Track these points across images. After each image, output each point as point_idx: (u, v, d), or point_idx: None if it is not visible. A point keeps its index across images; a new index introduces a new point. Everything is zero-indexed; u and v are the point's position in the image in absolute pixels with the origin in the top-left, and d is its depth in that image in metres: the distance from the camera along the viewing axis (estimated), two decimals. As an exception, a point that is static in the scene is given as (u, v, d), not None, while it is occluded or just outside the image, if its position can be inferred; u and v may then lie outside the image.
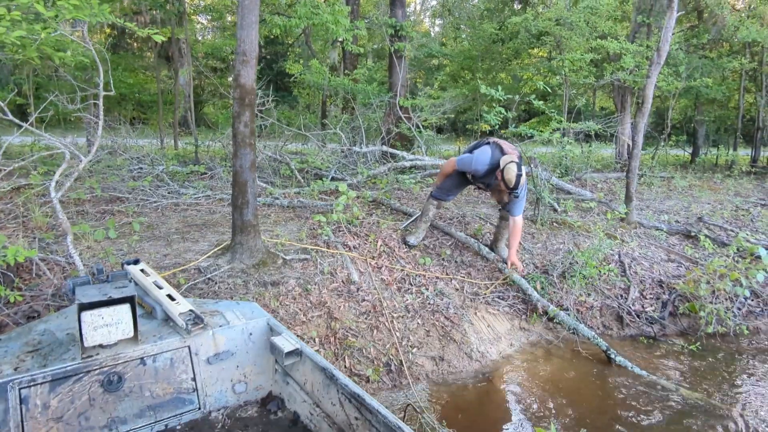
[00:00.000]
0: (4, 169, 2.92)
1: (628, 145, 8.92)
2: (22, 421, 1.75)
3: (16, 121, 3.01)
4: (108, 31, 13.47)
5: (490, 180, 3.86)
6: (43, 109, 3.37)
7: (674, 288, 4.41)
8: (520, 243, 4.71)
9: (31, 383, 1.79)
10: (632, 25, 9.84)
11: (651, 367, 3.54)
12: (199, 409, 2.09)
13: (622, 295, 4.35)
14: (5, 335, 2.11)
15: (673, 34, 5.97)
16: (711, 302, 4.13)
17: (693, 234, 5.32)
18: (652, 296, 4.41)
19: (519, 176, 3.63)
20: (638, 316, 4.19)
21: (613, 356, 3.51)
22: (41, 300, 2.78)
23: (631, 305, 4.24)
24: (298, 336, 2.97)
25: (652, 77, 5.18)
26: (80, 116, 4.35)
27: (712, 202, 7.00)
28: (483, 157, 3.82)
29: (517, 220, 3.96)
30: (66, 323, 2.16)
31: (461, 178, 4.14)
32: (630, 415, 2.98)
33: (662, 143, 10.27)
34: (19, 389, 1.77)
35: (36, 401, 1.79)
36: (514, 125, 5.70)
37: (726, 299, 4.26)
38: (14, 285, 2.81)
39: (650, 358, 3.72)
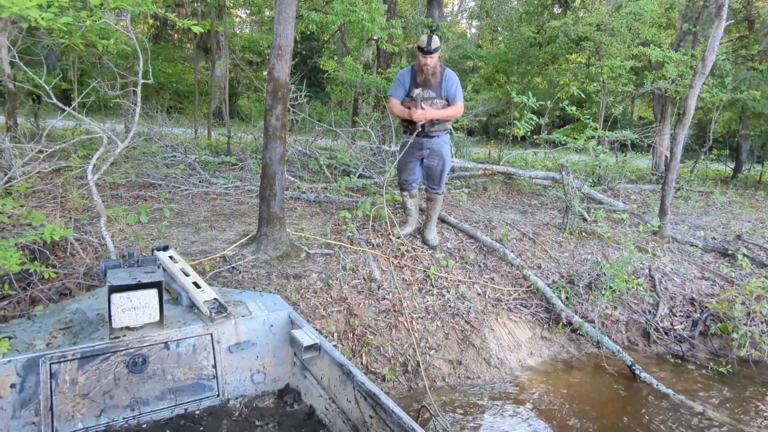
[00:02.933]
0: (46, 151, 3.04)
1: (666, 157, 8.63)
2: (51, 395, 1.82)
3: (60, 104, 3.13)
4: (150, 21, 13.87)
5: (418, 83, 3.75)
6: (85, 94, 3.49)
7: (706, 307, 4.24)
8: (546, 250, 4.62)
9: (62, 359, 1.86)
10: (677, 33, 9.50)
11: (677, 386, 3.42)
12: (218, 396, 2.12)
13: (650, 311, 4.21)
14: (40, 311, 2.20)
15: (720, 43, 5.74)
16: (745, 324, 3.95)
17: (730, 252, 5.10)
18: (682, 314, 4.26)
19: (430, 36, 3.64)
20: (666, 334, 4.05)
21: (638, 372, 3.41)
22: (73, 278, 2.88)
23: (659, 322, 4.10)
24: (317, 330, 2.99)
25: (695, 87, 4.99)
26: (119, 102, 4.50)
27: (753, 220, 6.70)
28: (404, 69, 3.95)
29: (457, 104, 3.79)
30: (97, 304, 2.23)
31: (410, 148, 3.93)
32: (652, 435, 2.88)
33: (702, 156, 9.89)
34: (50, 364, 1.84)
35: (65, 377, 1.86)
36: (546, 131, 5.58)
37: (762, 322, 4.07)
38: (49, 262, 2.92)
39: (677, 378, 3.59)
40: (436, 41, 3.64)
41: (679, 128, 5.15)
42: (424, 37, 3.66)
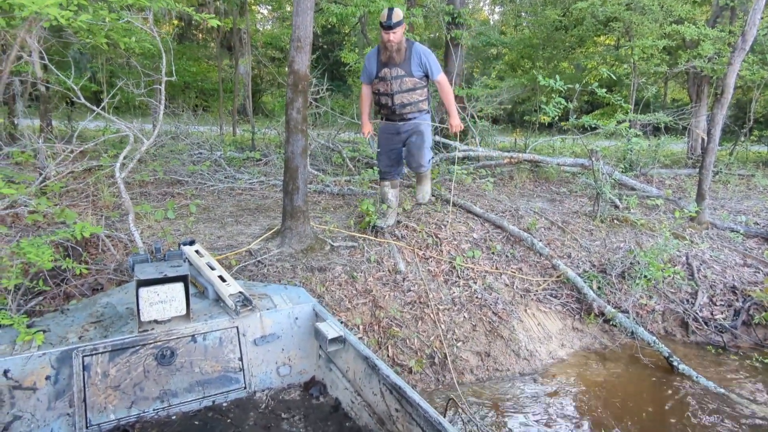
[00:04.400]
0: (77, 150, 3.12)
1: (703, 139, 8.26)
2: (84, 387, 1.86)
3: (90, 105, 3.20)
4: (176, 22, 14.11)
5: (383, 62, 3.55)
6: (112, 95, 3.56)
7: (749, 295, 4.04)
8: (576, 239, 4.48)
9: (93, 352, 1.90)
10: (713, 8, 9.04)
11: (719, 378, 3.27)
12: (245, 388, 2.13)
13: (688, 300, 4.03)
14: (73, 305, 2.26)
15: (761, 17, 5.41)
16: (793, 313, 3.74)
17: (774, 238, 4.84)
18: (723, 303, 4.07)
19: (391, 9, 3.41)
20: (706, 324, 3.88)
21: (676, 364, 3.27)
22: (105, 274, 2.95)
23: (698, 311, 3.93)
24: (342, 322, 2.98)
25: (734, 65, 4.73)
26: (146, 102, 4.59)
27: (799, 203, 6.34)
28: (371, 50, 3.70)
29: (441, 80, 3.64)
30: (126, 298, 2.27)
31: (386, 136, 3.79)
32: (693, 428, 2.75)
33: (742, 138, 9.42)
34: (83, 356, 1.88)
35: (97, 369, 1.90)
36: (575, 117, 5.40)
37: (811, 311, 3.85)
38: (82, 259, 3.00)
39: (718, 370, 3.43)
40: (398, 14, 3.40)
41: (717, 108, 4.90)
42: (384, 11, 3.42)
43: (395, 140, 3.76)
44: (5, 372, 1.76)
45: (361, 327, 3.15)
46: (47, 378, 1.82)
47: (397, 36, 3.44)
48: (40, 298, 2.73)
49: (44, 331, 1.94)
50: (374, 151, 3.94)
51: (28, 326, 1.94)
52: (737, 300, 4.07)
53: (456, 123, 3.70)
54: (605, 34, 10.06)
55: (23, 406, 1.78)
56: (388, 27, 3.39)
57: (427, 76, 3.59)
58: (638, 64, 8.15)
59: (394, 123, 3.68)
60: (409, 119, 3.65)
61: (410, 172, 4.30)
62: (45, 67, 3.95)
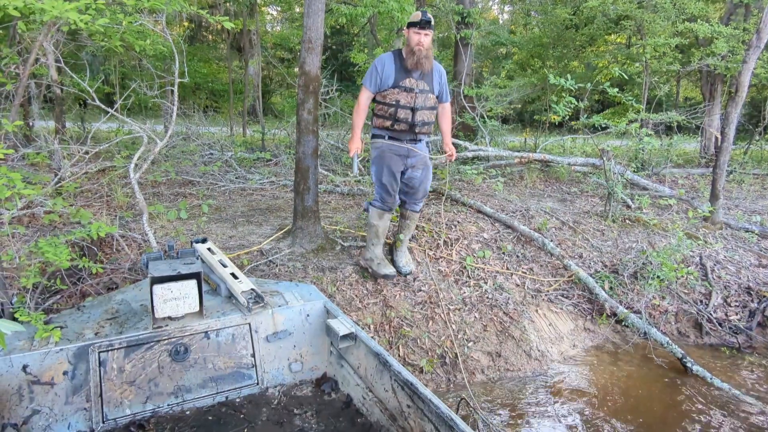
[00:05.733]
0: (91, 151, 3.17)
1: (716, 138, 8.16)
2: (100, 382, 1.90)
3: (103, 107, 3.26)
4: (186, 24, 14.26)
5: (409, 68, 3.03)
6: (126, 96, 3.62)
7: (765, 296, 3.98)
8: (587, 239, 4.46)
9: (109, 348, 1.93)
10: (727, 5, 8.93)
11: (734, 380, 3.23)
12: (257, 384, 2.15)
13: (702, 301, 3.99)
14: (89, 303, 2.30)
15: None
16: (810, 314, 3.68)
17: (790, 238, 4.77)
18: (737, 304, 4.01)
19: (424, 10, 2.96)
20: (720, 325, 3.83)
21: (689, 365, 3.24)
22: (119, 273, 2.99)
23: (712, 312, 3.88)
24: (353, 321, 2.99)
25: (749, 63, 4.67)
26: (158, 103, 4.65)
27: (816, 203, 6.23)
28: (384, 54, 3.12)
29: (448, 105, 3.32)
30: (141, 295, 2.31)
31: (394, 157, 3.16)
32: (707, 430, 2.72)
33: (757, 137, 9.29)
34: (99, 352, 1.91)
35: (113, 364, 1.93)
36: (586, 116, 5.36)
37: (829, 312, 3.78)
38: (97, 258, 3.05)
39: (733, 371, 3.39)
40: (430, 16, 2.95)
41: (732, 107, 4.84)
42: (417, 12, 2.96)
43: (400, 163, 3.20)
44: (24, 367, 1.80)
45: (371, 326, 3.16)
46: (65, 373, 1.86)
47: (429, 39, 2.99)
48: (57, 296, 2.78)
49: (61, 328, 1.98)
50: (356, 173, 3.41)
51: (46, 323, 1.98)
52: (752, 301, 4.01)
53: (453, 149, 3.36)
54: (616, 33, 9.98)
55: (42, 401, 1.82)
56: (427, 23, 2.89)
57: (437, 97, 3.24)
58: (650, 63, 8.07)
59: (400, 143, 3.13)
60: (419, 141, 3.24)
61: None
62: (59, 70, 4.02)
